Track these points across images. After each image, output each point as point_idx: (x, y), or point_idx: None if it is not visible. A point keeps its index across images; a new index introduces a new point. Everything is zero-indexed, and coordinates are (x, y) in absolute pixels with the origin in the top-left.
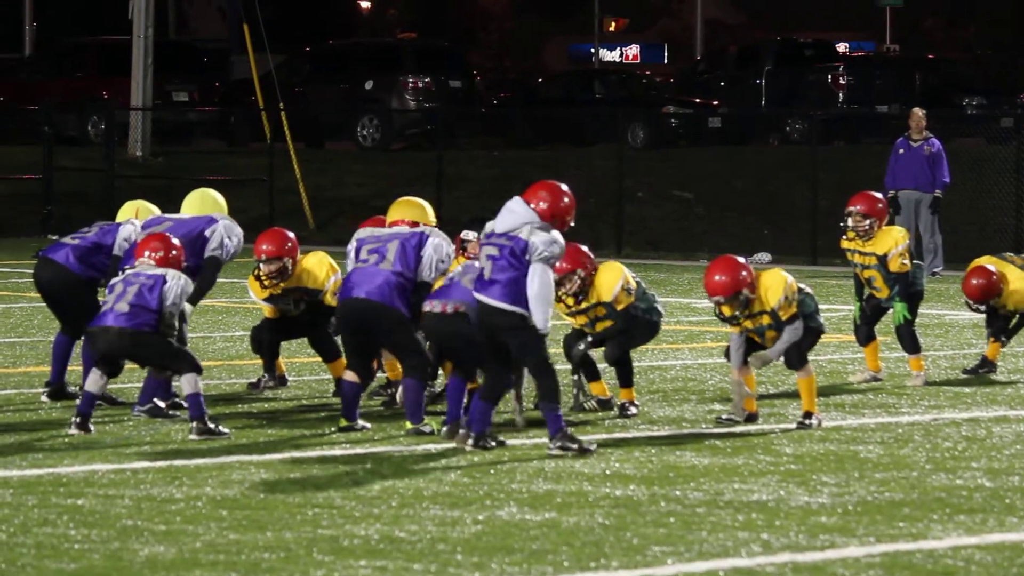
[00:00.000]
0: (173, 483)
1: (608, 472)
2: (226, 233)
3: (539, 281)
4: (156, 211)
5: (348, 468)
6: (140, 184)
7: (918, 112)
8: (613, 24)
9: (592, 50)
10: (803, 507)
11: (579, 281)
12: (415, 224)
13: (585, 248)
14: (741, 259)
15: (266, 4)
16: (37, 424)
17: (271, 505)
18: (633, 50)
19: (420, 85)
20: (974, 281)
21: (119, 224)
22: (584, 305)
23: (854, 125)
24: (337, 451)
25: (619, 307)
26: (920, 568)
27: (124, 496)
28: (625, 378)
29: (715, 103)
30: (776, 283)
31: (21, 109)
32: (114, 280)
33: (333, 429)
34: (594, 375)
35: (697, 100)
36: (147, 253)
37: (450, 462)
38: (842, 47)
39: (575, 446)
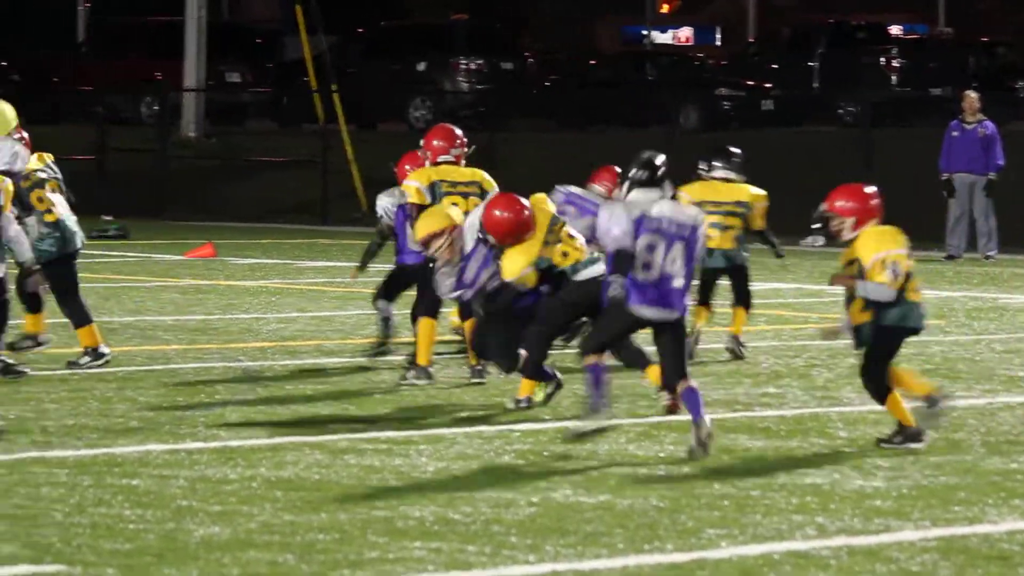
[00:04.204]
0: (228, 464)
1: (662, 455)
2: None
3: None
4: None
5: (404, 449)
6: (193, 165)
7: (972, 95)
8: (666, 6)
9: (644, 32)
10: (858, 491)
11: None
12: None
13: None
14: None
15: None
16: (92, 404)
17: (326, 486)
18: (686, 32)
19: (472, 67)
20: None
21: None
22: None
23: (907, 108)
24: (392, 432)
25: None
26: (975, 552)
27: (179, 476)
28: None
29: (768, 86)
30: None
31: (75, 91)
32: None
33: (387, 410)
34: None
35: (750, 83)
36: None
37: (504, 444)
38: (895, 29)
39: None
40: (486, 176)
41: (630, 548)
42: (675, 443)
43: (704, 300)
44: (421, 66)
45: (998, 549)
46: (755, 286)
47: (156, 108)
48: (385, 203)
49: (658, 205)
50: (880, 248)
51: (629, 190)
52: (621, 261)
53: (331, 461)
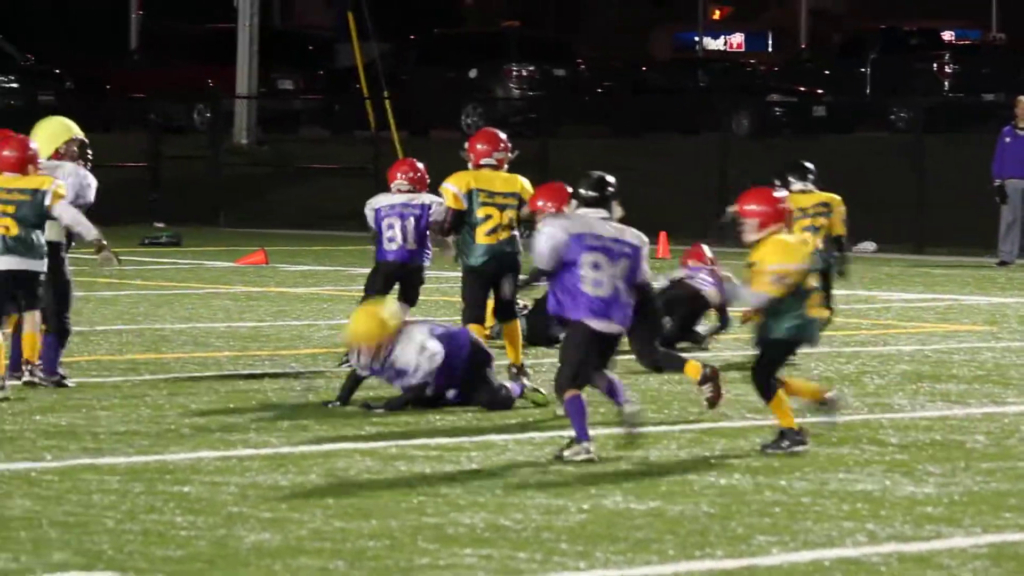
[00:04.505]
0: (278, 470)
1: (712, 461)
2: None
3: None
4: None
5: (453, 456)
6: (245, 172)
7: None
8: (718, 12)
9: (697, 38)
10: (909, 497)
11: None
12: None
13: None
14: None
15: None
16: (143, 411)
17: (376, 493)
18: (737, 38)
19: (524, 73)
20: None
21: None
22: None
23: (960, 114)
24: (442, 439)
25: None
26: None
27: (230, 483)
28: None
29: (820, 92)
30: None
31: (128, 98)
32: None
33: (438, 417)
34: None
35: (802, 89)
36: None
37: (555, 450)
38: (948, 35)
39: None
40: (526, 184)
41: (680, 555)
42: (725, 449)
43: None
44: (473, 73)
45: None
46: None
47: (208, 115)
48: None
49: (603, 224)
50: (782, 260)
51: (577, 207)
52: (535, 277)
53: (382, 467)
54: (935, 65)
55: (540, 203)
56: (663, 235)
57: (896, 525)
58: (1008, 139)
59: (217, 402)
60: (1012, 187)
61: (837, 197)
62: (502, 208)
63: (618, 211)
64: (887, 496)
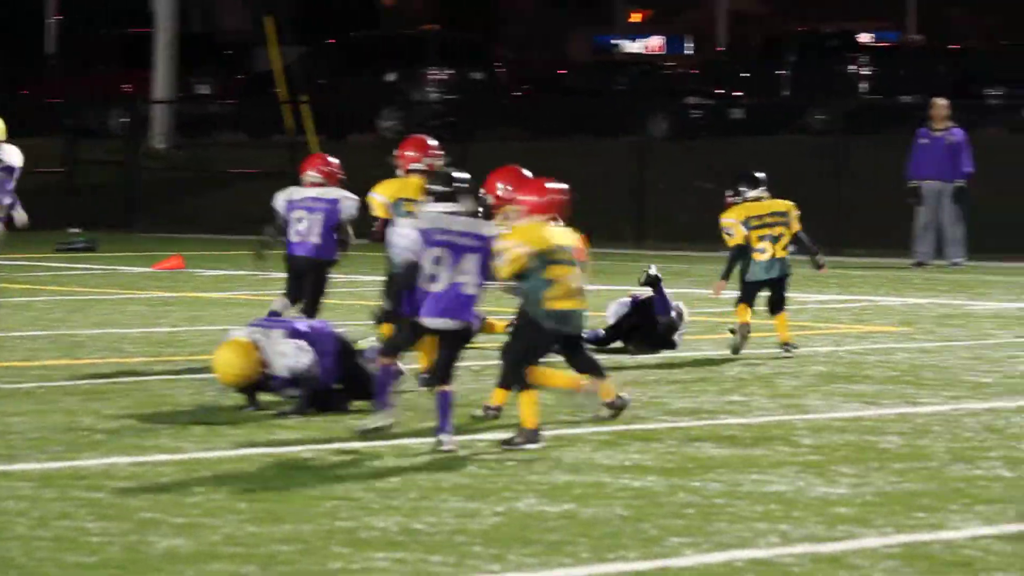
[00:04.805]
0: (192, 476)
1: (627, 463)
2: None
3: None
4: None
5: (367, 460)
6: (162, 176)
7: (940, 102)
8: (638, 15)
9: (615, 41)
10: (822, 498)
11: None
12: None
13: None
14: None
15: None
16: (56, 417)
17: (290, 498)
18: (657, 41)
19: (443, 77)
20: None
21: None
22: None
23: (878, 116)
24: (356, 443)
25: None
26: (938, 558)
27: (143, 489)
28: None
29: (738, 94)
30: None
31: (44, 103)
32: None
33: (353, 420)
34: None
35: (720, 91)
36: None
37: (468, 453)
38: (866, 37)
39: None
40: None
41: (594, 557)
42: (640, 452)
43: (748, 302)
44: (392, 77)
45: (961, 555)
46: (724, 294)
47: (125, 120)
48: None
49: (450, 218)
50: (520, 241)
51: (428, 204)
52: (408, 273)
53: (295, 472)
54: (853, 67)
55: (499, 187)
56: (583, 237)
57: (809, 526)
58: (923, 140)
59: (131, 408)
60: (927, 188)
61: (789, 203)
62: None
63: (470, 205)
64: (800, 497)
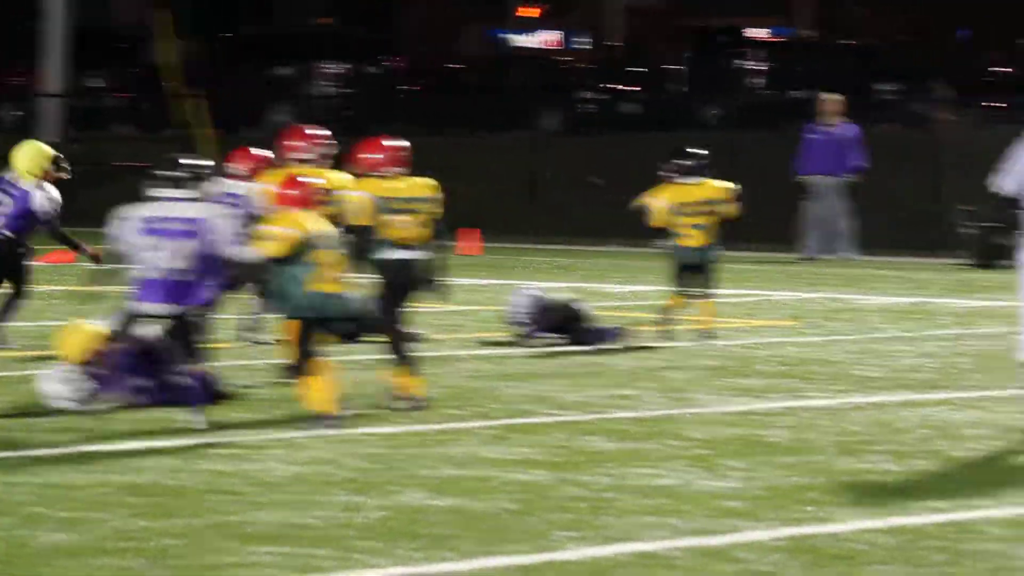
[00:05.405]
0: (79, 469)
1: (515, 457)
2: None
3: None
4: None
5: (254, 454)
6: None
7: (832, 97)
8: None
9: (509, 36)
10: (709, 491)
11: None
12: None
13: None
14: None
15: None
16: None
17: (178, 492)
18: (553, 36)
19: (337, 71)
20: None
21: None
22: None
23: (771, 111)
24: (245, 437)
25: None
26: (824, 551)
27: (28, 482)
28: None
29: (633, 89)
30: None
31: None
32: None
33: (240, 414)
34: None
35: (615, 86)
36: None
37: (356, 447)
38: (761, 33)
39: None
40: (339, 177)
41: (479, 551)
42: (528, 445)
43: (679, 290)
44: (285, 71)
45: (845, 548)
46: (615, 288)
47: (17, 113)
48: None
49: (171, 205)
50: (283, 225)
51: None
52: (111, 261)
53: (183, 466)
54: (748, 63)
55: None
56: (476, 232)
57: (697, 519)
58: (813, 136)
59: (15, 401)
60: (819, 183)
61: (725, 187)
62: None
63: (210, 189)
64: (688, 490)
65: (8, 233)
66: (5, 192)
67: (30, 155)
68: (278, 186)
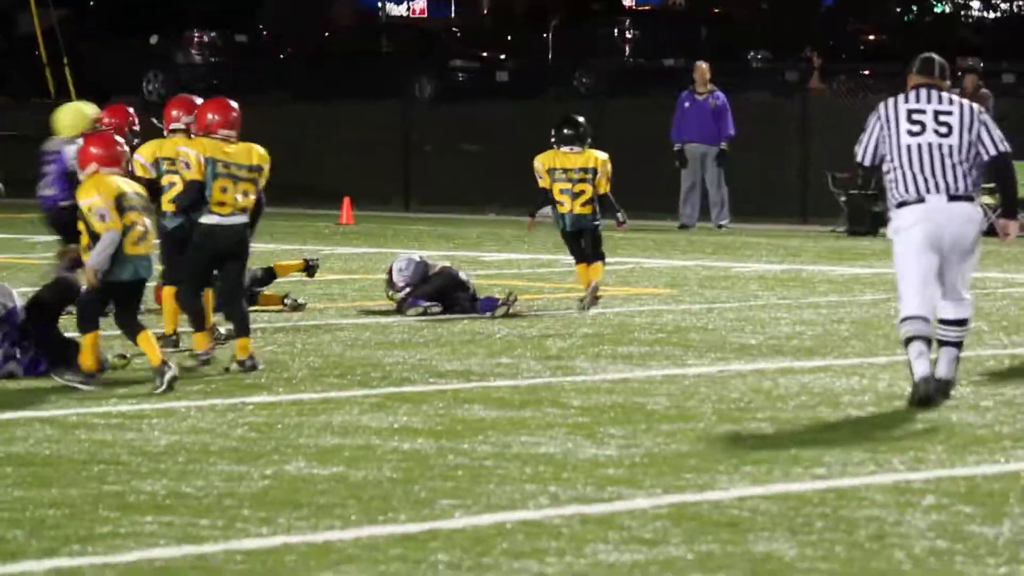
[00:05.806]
0: None
1: (396, 426)
2: None
3: None
4: None
5: (134, 424)
6: None
7: (702, 65)
8: None
9: (380, 4)
10: (591, 459)
11: None
12: None
13: None
14: None
15: None
16: None
17: (56, 462)
18: (420, 4)
19: (206, 39)
20: None
21: None
22: None
23: (640, 79)
24: (124, 407)
25: None
26: (706, 519)
27: None
28: None
29: (503, 57)
30: None
31: None
32: None
33: (119, 384)
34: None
35: (485, 54)
36: None
37: (237, 417)
38: (629, 1)
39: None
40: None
41: (363, 519)
42: (408, 414)
43: (580, 259)
44: (154, 39)
45: (728, 515)
46: (490, 256)
47: None
48: None
49: None
50: (91, 195)
51: None
52: None
53: (62, 436)
54: (616, 30)
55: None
56: (347, 200)
57: (578, 487)
58: (687, 104)
59: None
60: (691, 151)
61: (602, 157)
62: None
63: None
64: (569, 459)
65: (64, 205)
66: (47, 163)
67: (70, 115)
68: (89, 145)
